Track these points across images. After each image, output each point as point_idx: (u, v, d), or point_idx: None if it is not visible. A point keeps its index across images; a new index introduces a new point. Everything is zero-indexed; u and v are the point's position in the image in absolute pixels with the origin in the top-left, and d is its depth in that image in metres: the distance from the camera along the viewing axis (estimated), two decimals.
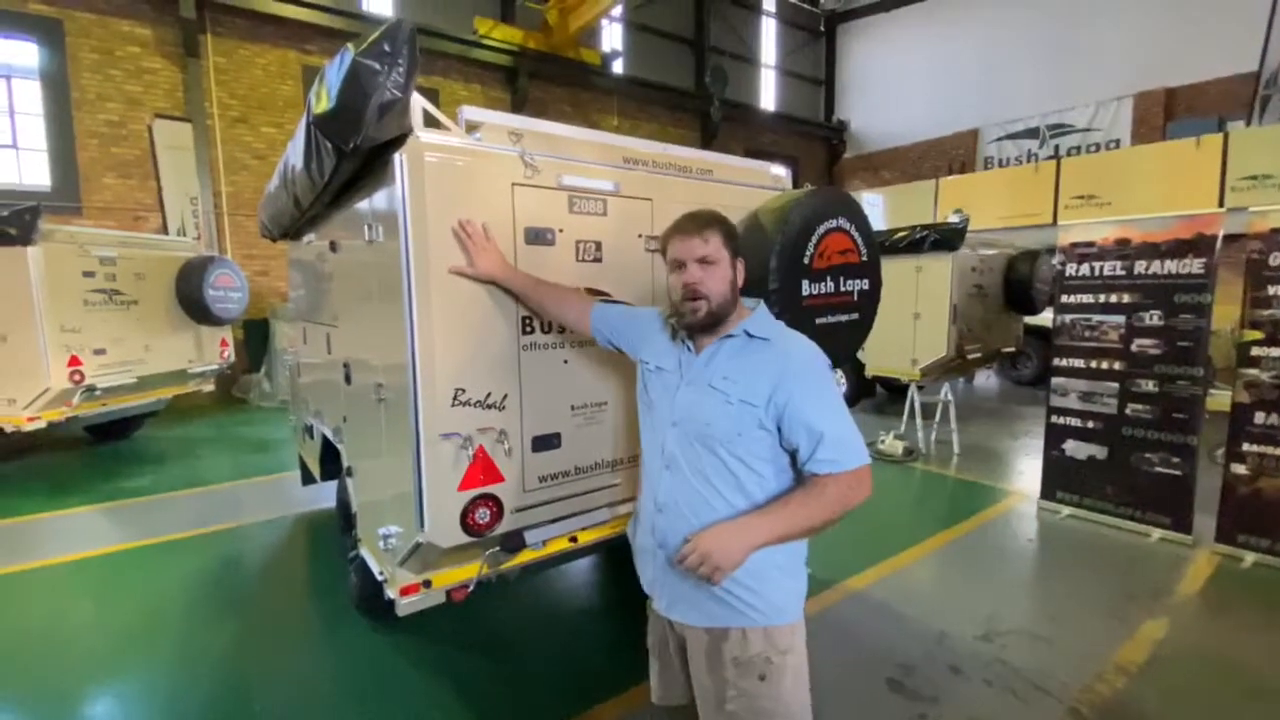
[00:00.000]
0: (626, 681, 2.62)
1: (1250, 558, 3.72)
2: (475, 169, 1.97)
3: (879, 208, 9.20)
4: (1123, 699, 2.53)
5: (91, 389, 5.31)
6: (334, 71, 1.79)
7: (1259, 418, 3.69)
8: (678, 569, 1.41)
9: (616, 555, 3.83)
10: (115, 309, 5.60)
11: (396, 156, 1.85)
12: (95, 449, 6.56)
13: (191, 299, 6.07)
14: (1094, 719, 2.42)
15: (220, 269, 6.24)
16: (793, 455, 1.43)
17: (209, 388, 6.86)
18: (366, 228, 2.16)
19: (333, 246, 2.81)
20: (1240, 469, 3.77)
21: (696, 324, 1.48)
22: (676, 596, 1.50)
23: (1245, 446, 3.74)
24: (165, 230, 8.39)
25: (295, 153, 2.33)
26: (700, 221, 1.49)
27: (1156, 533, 4.10)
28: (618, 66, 12.83)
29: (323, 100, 1.80)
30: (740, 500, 1.43)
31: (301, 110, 2.04)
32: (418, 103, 1.90)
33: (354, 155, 1.84)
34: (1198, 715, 2.46)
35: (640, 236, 2.40)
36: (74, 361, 5.15)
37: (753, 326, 1.49)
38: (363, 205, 2.29)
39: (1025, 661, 2.78)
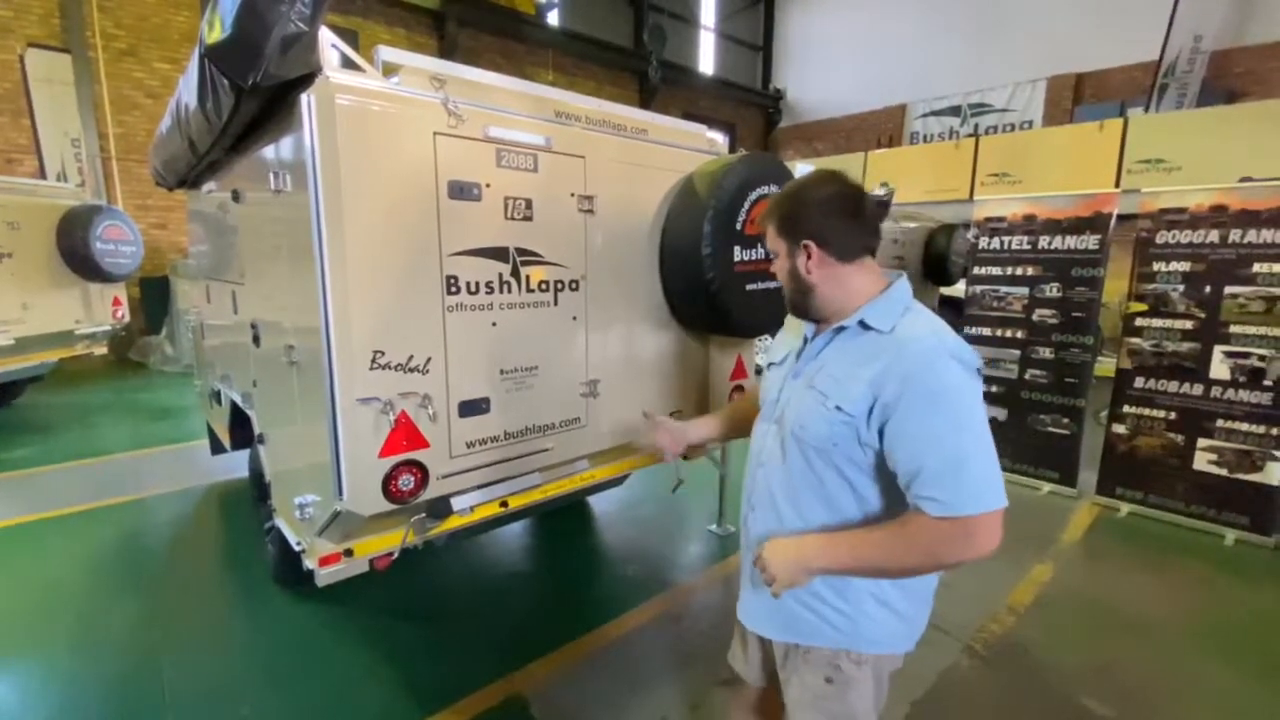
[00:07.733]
0: (556, 641, 2.67)
1: (1125, 508, 4.13)
2: (393, 115, 1.84)
3: None
4: (1012, 636, 2.79)
5: None
6: None
7: (1139, 382, 4.07)
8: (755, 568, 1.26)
9: (548, 519, 3.85)
10: None
11: (304, 97, 1.69)
12: None
13: (76, 252, 5.48)
14: (987, 655, 2.65)
15: (109, 219, 5.64)
16: None
17: (101, 350, 6.27)
18: (272, 176, 1.99)
19: (236, 197, 2.59)
20: (1120, 428, 4.15)
21: (794, 313, 1.33)
22: (753, 605, 1.38)
23: (1126, 409, 4.12)
24: (43, 174, 7.53)
25: (188, 89, 2.10)
26: (764, 212, 1.30)
27: (1046, 486, 4.48)
28: (553, 18, 12.32)
29: (216, 29, 1.62)
30: (825, 515, 1.22)
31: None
32: (328, 39, 1.75)
33: (254, 93, 1.68)
34: (1076, 648, 2.74)
35: (573, 195, 2.33)
36: None
37: (871, 315, 1.18)
38: (268, 152, 2.11)
39: None
